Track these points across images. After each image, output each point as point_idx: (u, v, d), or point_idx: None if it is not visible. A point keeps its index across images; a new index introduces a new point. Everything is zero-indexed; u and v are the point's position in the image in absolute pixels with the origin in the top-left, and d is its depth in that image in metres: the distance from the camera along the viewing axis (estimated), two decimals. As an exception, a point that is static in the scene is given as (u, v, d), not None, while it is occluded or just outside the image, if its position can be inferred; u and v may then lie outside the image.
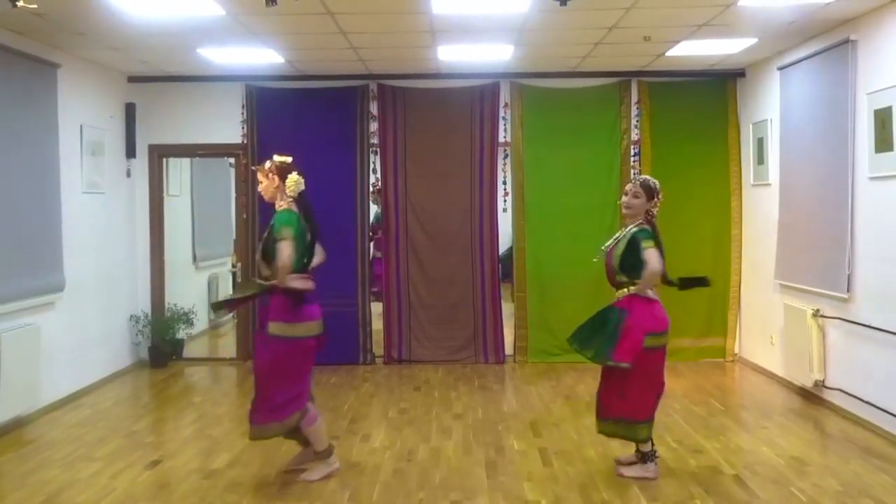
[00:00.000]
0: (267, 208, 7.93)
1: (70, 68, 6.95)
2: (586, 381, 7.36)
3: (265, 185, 4.88)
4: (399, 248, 8.40)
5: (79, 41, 6.60)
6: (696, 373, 7.79)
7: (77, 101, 7.17)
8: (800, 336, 6.67)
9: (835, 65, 6.27)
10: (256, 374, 4.82)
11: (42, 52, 6.53)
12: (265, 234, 4.81)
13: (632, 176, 8.23)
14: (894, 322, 5.58)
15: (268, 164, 4.87)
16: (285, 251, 4.60)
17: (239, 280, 8.57)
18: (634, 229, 4.81)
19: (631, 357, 4.63)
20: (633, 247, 4.75)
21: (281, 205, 4.82)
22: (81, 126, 7.24)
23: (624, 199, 4.89)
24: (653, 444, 4.87)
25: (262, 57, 7.27)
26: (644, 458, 4.85)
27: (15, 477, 4.97)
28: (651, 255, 4.69)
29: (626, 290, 4.79)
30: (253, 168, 4.72)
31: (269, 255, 4.70)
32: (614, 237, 4.99)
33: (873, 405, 5.79)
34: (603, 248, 4.97)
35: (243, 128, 8.35)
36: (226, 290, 10.68)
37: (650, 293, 4.80)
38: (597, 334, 4.79)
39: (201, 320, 9.50)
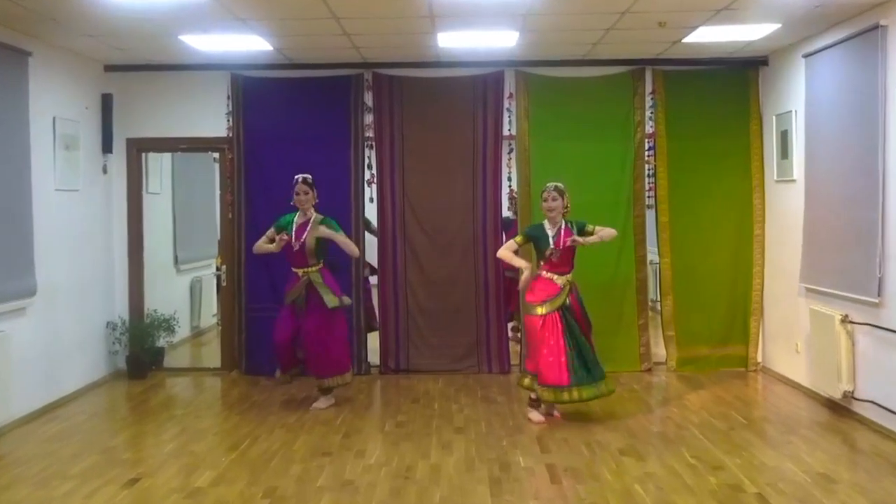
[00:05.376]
0: (255, 206, 8.05)
1: (42, 56, 6.95)
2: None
3: (311, 194, 6.74)
4: (396, 249, 8.39)
5: (51, 27, 6.60)
6: (716, 383, 7.79)
7: (49, 92, 7.17)
8: (827, 344, 6.67)
9: (864, 52, 6.27)
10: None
11: (11, 39, 6.53)
12: (310, 231, 6.72)
13: (644, 172, 8.24)
14: (929, 328, 5.59)
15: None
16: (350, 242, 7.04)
17: (223, 284, 8.56)
18: (568, 221, 6.47)
19: None
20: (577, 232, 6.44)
21: (314, 212, 6.80)
22: (54, 118, 7.24)
23: (552, 203, 6.37)
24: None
25: (248, 44, 7.27)
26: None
27: (-17, 496, 4.98)
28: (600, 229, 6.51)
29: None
30: (307, 180, 6.78)
31: (320, 247, 6.77)
32: (552, 236, 6.41)
33: (906, 418, 5.80)
34: (558, 247, 6.37)
35: (229, 120, 8.35)
36: (210, 295, 10.69)
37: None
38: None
39: (183, 327, 9.50)
